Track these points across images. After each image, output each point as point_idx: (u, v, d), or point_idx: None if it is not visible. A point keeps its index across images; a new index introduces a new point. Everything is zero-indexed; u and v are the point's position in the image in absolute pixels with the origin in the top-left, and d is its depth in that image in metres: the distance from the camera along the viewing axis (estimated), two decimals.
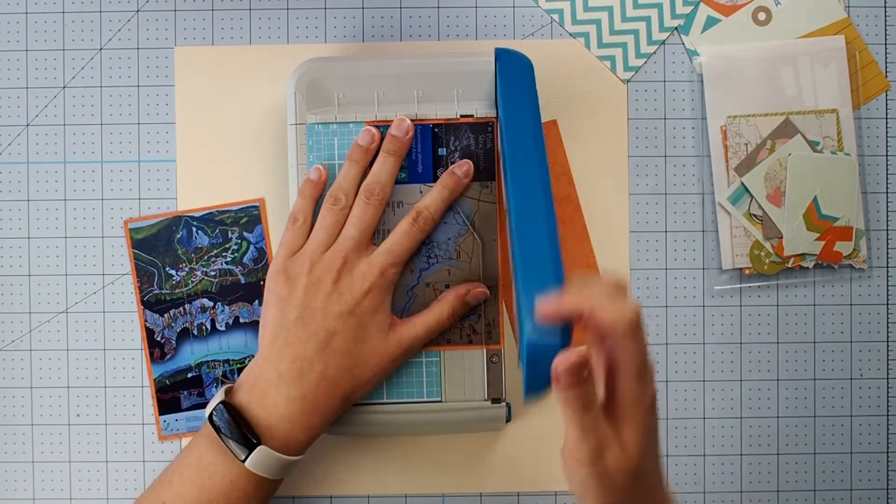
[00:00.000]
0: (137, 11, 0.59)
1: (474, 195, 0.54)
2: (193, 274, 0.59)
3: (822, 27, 0.59)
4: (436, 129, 0.54)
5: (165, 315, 0.59)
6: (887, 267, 0.60)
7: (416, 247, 0.52)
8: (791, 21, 0.59)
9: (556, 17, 0.59)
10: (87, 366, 0.59)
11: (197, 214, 0.59)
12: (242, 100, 0.59)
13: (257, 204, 0.58)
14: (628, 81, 0.59)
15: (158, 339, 0.59)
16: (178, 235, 0.59)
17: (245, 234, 0.59)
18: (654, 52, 0.59)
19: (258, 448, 0.48)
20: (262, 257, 0.58)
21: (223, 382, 0.58)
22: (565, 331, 0.42)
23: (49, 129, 0.59)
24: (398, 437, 0.58)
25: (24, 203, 0.59)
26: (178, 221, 0.59)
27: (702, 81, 0.59)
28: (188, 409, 0.58)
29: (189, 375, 0.59)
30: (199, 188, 0.59)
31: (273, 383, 0.50)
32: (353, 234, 0.51)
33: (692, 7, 0.59)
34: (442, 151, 0.54)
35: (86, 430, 0.59)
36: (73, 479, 0.59)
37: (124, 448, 0.59)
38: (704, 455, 0.59)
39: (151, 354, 0.58)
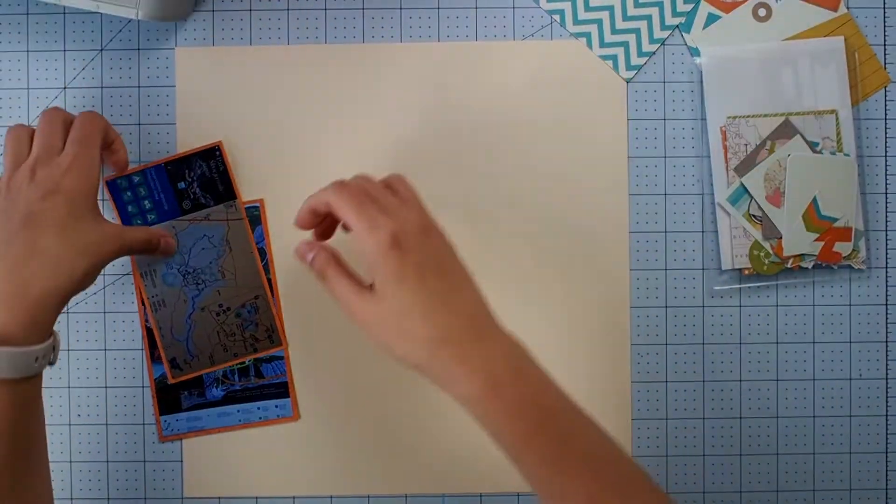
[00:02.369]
0: None
1: (222, 217, 0.57)
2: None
3: (822, 23, 0.59)
4: (168, 167, 0.57)
5: None
6: (886, 267, 0.60)
7: (102, 127, 0.53)
8: (791, 17, 0.59)
9: (556, 17, 0.59)
10: (87, 366, 0.59)
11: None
12: (242, 100, 0.59)
13: (258, 204, 0.58)
14: (629, 81, 0.59)
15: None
16: None
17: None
18: (656, 51, 0.59)
19: None
20: (262, 257, 0.58)
21: (224, 383, 0.58)
22: None
23: None
24: (399, 436, 0.58)
25: None
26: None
27: (702, 81, 0.59)
28: (189, 408, 0.58)
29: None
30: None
31: None
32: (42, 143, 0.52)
33: (693, 5, 0.59)
34: (182, 185, 0.58)
35: (86, 430, 0.59)
36: (73, 479, 0.59)
37: (124, 448, 0.59)
38: (704, 455, 0.59)
39: (152, 355, 0.59)
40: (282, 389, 0.58)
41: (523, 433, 0.43)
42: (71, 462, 0.59)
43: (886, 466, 0.60)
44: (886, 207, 0.59)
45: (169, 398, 0.59)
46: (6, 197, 0.50)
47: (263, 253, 0.58)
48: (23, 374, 0.47)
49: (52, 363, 0.50)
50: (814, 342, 0.59)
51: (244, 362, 0.58)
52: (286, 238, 0.58)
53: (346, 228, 0.47)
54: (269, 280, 0.58)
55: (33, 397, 0.49)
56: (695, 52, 0.59)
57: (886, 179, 0.60)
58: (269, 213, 0.58)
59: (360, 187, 0.46)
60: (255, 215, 0.58)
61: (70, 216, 0.49)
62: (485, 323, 0.45)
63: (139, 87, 0.59)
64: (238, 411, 0.58)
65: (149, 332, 0.58)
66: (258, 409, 0.58)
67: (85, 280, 0.50)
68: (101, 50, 0.59)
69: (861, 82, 0.59)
